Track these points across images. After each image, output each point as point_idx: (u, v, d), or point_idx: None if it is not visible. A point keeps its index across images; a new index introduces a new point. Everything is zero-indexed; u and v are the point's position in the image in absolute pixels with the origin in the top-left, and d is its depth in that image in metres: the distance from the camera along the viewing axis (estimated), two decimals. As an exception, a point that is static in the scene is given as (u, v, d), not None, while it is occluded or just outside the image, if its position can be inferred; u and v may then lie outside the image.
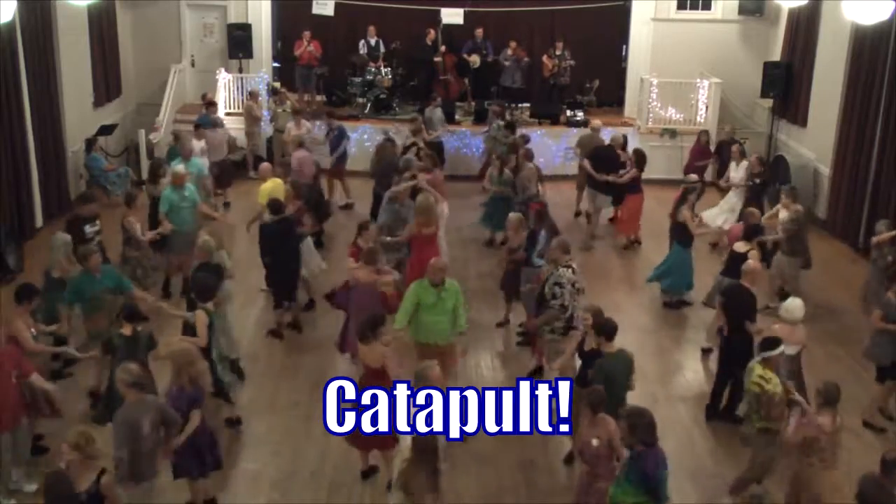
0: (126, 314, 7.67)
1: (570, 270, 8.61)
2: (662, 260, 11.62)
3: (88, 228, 10.13)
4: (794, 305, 8.01)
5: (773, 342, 7.28)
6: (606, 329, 7.22)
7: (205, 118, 14.89)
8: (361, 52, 17.98)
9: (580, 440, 6.35)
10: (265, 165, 12.27)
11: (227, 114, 16.97)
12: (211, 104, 15.47)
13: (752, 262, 9.05)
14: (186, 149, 12.64)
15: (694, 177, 12.31)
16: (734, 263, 9.55)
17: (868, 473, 6.05)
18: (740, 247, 9.75)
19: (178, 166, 11.61)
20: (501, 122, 15.20)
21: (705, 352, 10.17)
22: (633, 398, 9.06)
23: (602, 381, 6.96)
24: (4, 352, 7.19)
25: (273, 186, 11.47)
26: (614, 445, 6.37)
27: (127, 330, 7.58)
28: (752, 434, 7.33)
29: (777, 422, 7.07)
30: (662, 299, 11.59)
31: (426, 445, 5.83)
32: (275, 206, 10.29)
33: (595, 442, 6.32)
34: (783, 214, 11.25)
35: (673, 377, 9.82)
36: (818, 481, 6.58)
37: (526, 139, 14.27)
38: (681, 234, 11.21)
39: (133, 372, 6.41)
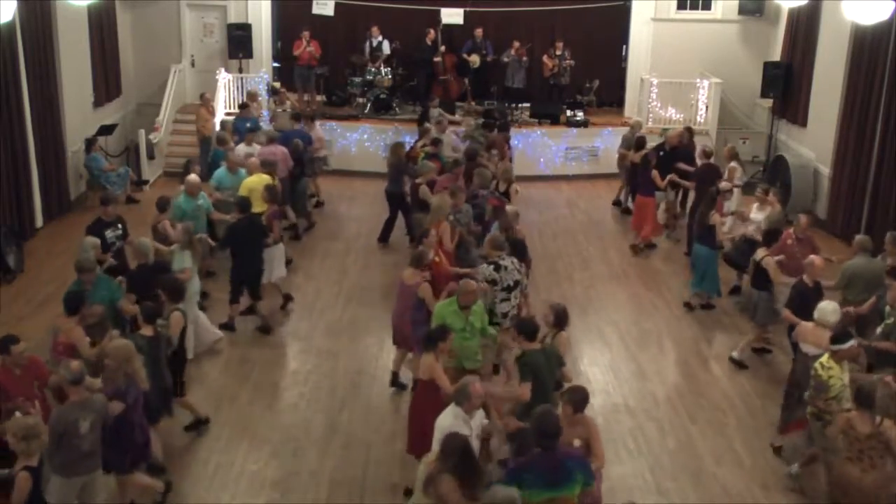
0: (146, 315, 7.58)
1: (491, 266, 8.56)
2: (692, 266, 11.42)
3: (110, 234, 9.90)
4: (827, 308, 7.92)
5: (844, 335, 7.29)
6: (525, 329, 7.14)
7: (254, 122, 14.93)
8: (366, 52, 17.97)
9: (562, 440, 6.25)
10: (253, 160, 12.22)
11: (227, 114, 16.98)
12: (245, 106, 15.48)
13: (814, 256, 9.04)
14: (232, 161, 12.29)
15: (727, 184, 12.16)
16: (759, 272, 9.55)
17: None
18: (761, 254, 9.64)
19: (192, 175, 11.36)
20: (480, 121, 15.16)
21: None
22: (635, 398, 9.15)
23: (528, 376, 6.93)
24: (30, 363, 7.11)
25: (257, 181, 11.43)
26: (591, 445, 6.28)
27: (148, 331, 7.50)
28: (811, 418, 7.43)
29: (826, 412, 7.16)
30: (686, 301, 11.46)
31: (453, 447, 5.65)
32: (242, 204, 10.33)
33: (577, 442, 6.23)
34: (755, 214, 11.23)
35: (673, 378, 9.81)
36: (851, 481, 6.59)
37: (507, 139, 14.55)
38: (707, 237, 11.02)
39: (74, 369, 6.27)
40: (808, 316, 8.30)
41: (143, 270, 8.98)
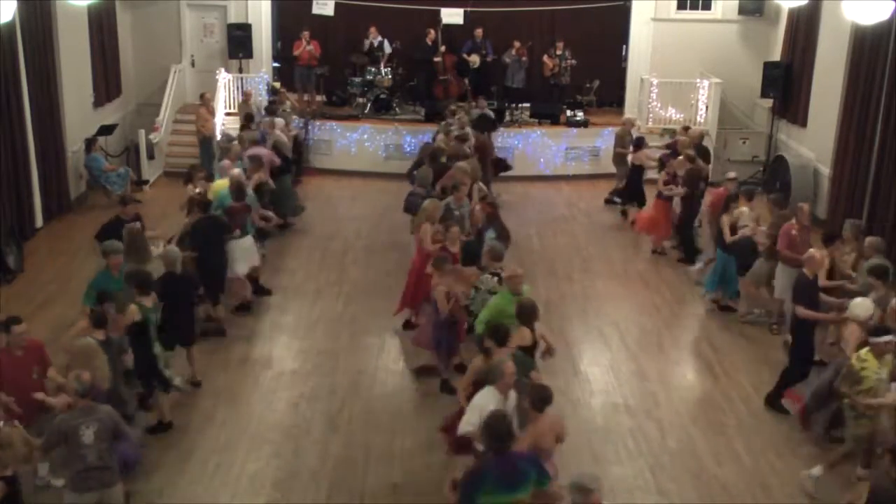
0: (94, 320, 7.54)
1: (495, 279, 8.59)
2: (712, 268, 11.33)
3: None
4: (858, 304, 7.98)
5: (881, 329, 7.34)
6: (496, 334, 7.14)
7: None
8: (367, 50, 17.98)
9: (525, 439, 6.22)
10: (226, 162, 12.16)
11: (227, 114, 16.99)
12: (272, 103, 15.56)
13: (814, 250, 9.08)
14: (232, 155, 12.34)
15: (733, 174, 12.16)
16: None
17: (880, 472, 6.02)
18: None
19: (236, 171, 11.31)
20: (452, 120, 15.04)
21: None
22: (635, 398, 9.15)
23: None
24: (30, 346, 7.19)
25: (226, 184, 11.30)
26: (538, 443, 6.26)
27: (99, 335, 7.44)
28: (846, 406, 7.44)
29: (864, 406, 7.22)
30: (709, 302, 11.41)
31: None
32: (202, 204, 10.30)
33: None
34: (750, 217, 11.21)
35: (673, 378, 9.81)
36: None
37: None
38: (720, 239, 11.03)
39: (84, 380, 6.22)
40: (812, 308, 8.43)
41: (172, 279, 8.87)
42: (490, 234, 9.86)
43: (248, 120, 14.76)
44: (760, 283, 10.80)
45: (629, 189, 14.56)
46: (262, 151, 12.98)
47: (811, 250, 9.11)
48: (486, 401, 6.33)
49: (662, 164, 13.27)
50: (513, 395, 6.57)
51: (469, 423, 6.32)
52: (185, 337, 9.04)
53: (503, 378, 6.39)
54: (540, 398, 6.25)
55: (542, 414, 6.25)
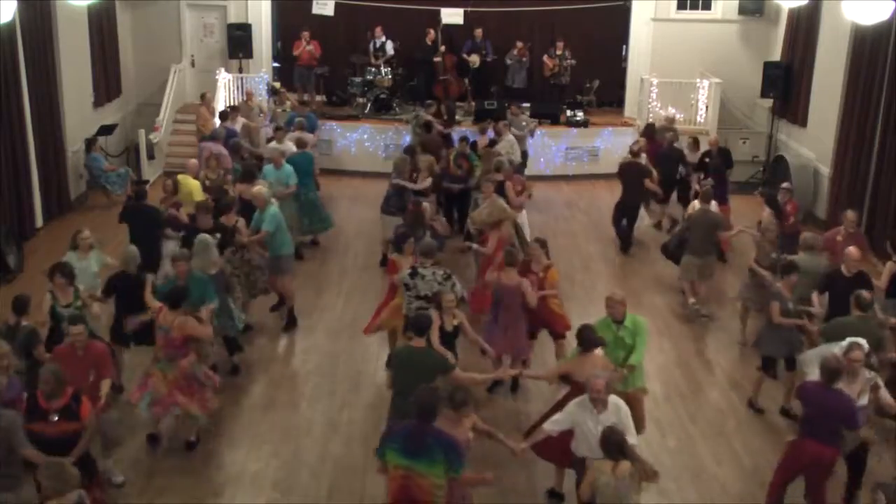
0: (13, 304, 7.57)
1: (408, 272, 8.47)
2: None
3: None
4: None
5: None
6: (414, 324, 7.18)
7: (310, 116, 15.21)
8: (370, 52, 18.00)
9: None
10: (192, 161, 12.15)
11: (227, 114, 16.99)
12: (304, 103, 15.76)
13: (852, 248, 9.08)
14: (277, 157, 12.29)
15: (787, 184, 12.16)
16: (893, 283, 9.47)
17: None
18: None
19: (257, 188, 10.83)
20: (420, 114, 15.28)
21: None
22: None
23: (392, 370, 7.22)
24: (92, 350, 7.23)
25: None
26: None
27: (11, 320, 7.48)
28: None
29: None
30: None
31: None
32: (138, 192, 10.38)
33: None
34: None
35: (673, 377, 9.82)
36: None
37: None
38: None
39: None
40: (843, 308, 8.34)
41: (122, 277, 8.73)
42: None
43: (222, 117, 14.80)
44: (691, 277, 11.06)
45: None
46: (213, 147, 12.90)
47: (850, 248, 9.10)
48: (578, 409, 6.50)
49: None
50: (618, 406, 6.51)
51: (553, 421, 6.72)
52: (136, 335, 8.75)
53: (589, 387, 6.44)
54: (461, 400, 6.18)
55: (457, 413, 6.18)
